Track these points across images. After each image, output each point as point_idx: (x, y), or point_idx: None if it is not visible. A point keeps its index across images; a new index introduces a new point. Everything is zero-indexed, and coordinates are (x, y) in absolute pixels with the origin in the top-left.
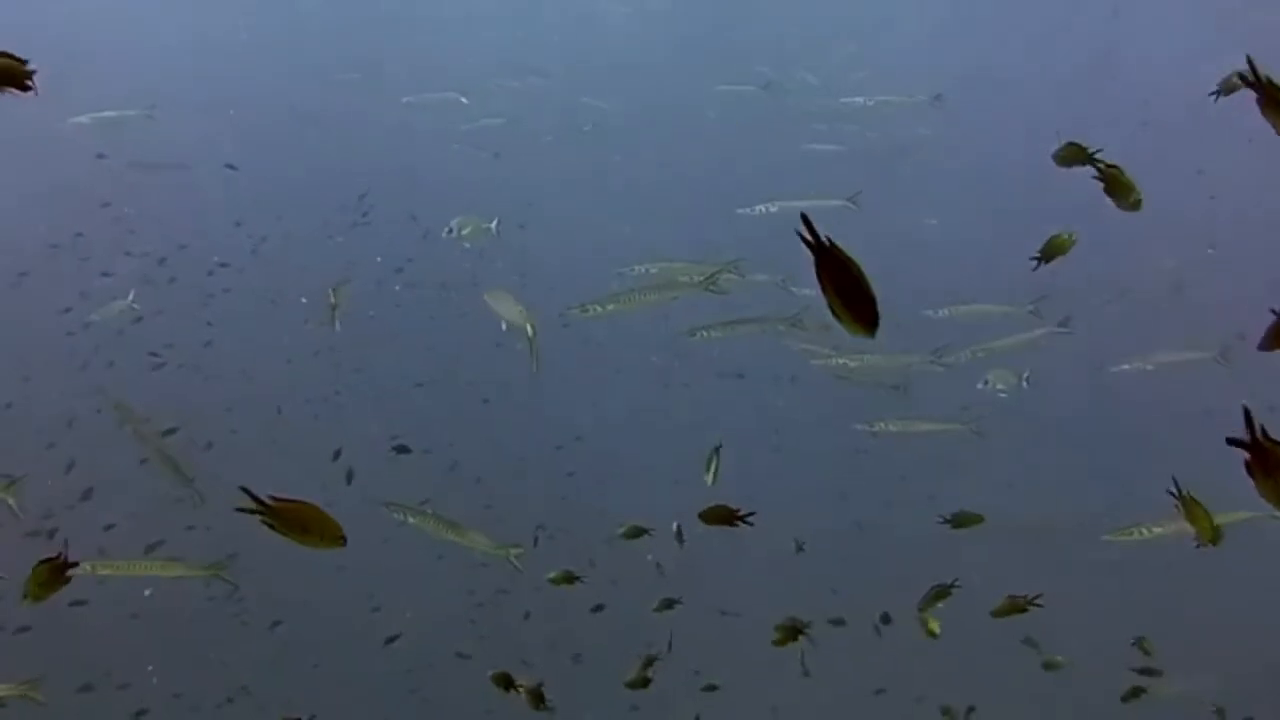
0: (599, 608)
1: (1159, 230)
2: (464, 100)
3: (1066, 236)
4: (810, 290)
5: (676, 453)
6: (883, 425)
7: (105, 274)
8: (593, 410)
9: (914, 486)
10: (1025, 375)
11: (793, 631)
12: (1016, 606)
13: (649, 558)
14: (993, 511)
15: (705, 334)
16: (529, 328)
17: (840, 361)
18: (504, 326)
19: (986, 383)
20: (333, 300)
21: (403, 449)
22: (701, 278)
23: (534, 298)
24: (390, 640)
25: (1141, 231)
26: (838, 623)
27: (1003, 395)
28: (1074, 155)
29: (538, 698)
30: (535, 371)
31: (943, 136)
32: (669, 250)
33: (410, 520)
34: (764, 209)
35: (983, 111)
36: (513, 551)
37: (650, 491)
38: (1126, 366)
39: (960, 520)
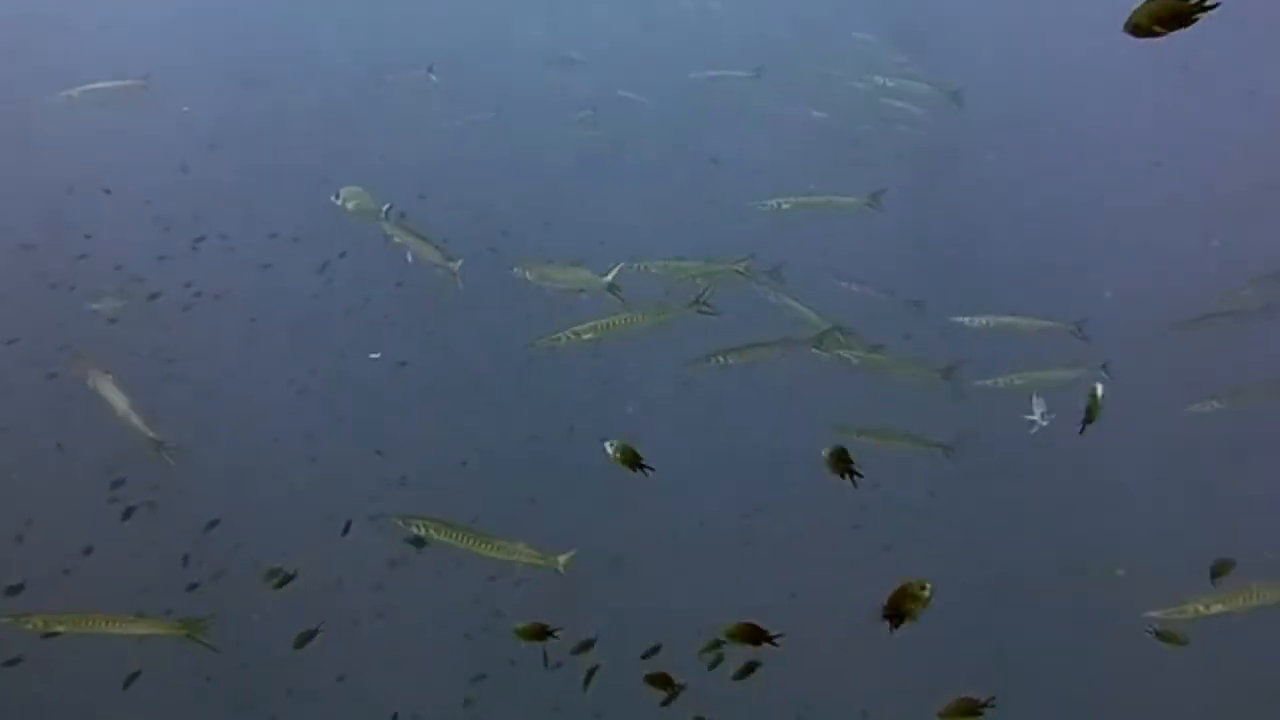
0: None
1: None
2: (433, 78)
3: None
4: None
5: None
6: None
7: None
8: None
9: None
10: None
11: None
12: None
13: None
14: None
15: (721, 360)
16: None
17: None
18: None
19: (1040, 417)
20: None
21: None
22: (703, 281)
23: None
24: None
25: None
26: None
27: (1044, 424)
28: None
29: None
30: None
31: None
32: (675, 247)
33: (431, 533)
34: (777, 204)
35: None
36: (561, 560)
37: None
38: (1199, 407)
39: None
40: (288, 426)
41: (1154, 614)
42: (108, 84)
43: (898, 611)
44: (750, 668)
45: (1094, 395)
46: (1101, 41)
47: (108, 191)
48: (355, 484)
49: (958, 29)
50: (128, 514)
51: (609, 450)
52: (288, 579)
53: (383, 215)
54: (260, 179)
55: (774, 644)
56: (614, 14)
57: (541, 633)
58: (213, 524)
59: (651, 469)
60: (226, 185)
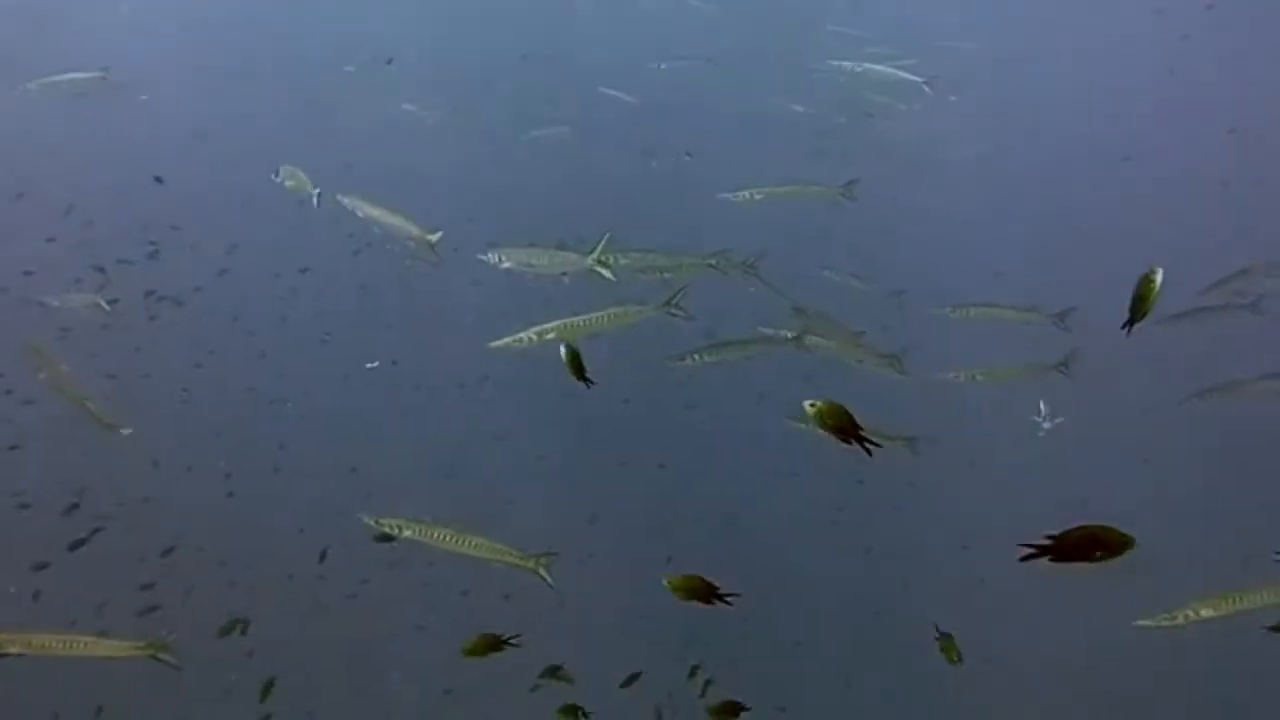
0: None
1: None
2: (388, 63)
3: None
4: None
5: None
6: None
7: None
8: None
9: None
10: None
11: None
12: None
13: None
14: None
15: (695, 358)
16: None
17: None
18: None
19: (1046, 419)
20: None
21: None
22: (674, 278)
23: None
24: None
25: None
26: None
27: (1047, 427)
28: None
29: None
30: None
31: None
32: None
33: (406, 533)
34: (749, 195)
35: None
36: (541, 562)
37: None
38: (1196, 399)
39: None
40: (257, 436)
41: (1143, 622)
42: (67, 76)
43: (1087, 548)
44: (734, 709)
45: (1151, 280)
46: (1083, 33)
47: (73, 209)
48: (327, 495)
49: (939, 22)
50: (91, 535)
51: (562, 353)
52: (245, 626)
53: (313, 198)
54: (226, 184)
55: (727, 603)
56: (591, 9)
57: (493, 645)
58: (168, 551)
59: (592, 382)
60: (192, 189)
